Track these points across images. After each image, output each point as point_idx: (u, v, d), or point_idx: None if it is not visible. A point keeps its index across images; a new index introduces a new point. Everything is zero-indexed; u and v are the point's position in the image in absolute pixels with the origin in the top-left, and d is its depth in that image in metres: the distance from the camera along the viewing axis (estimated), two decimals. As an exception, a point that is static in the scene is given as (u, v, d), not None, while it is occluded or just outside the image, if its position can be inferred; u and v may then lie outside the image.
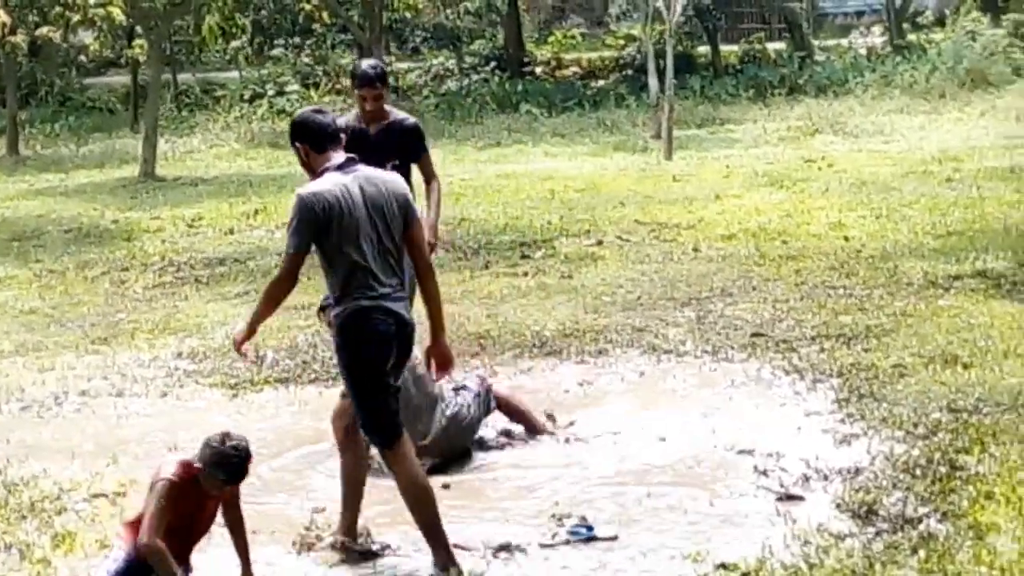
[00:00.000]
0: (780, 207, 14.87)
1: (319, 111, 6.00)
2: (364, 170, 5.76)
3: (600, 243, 13.44)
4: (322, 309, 7.20)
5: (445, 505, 6.51)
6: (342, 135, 5.88)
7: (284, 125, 27.36)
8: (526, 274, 12.14)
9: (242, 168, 22.06)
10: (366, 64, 7.90)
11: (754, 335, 9.45)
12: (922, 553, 5.53)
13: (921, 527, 5.83)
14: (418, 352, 6.20)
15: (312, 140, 5.79)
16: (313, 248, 5.67)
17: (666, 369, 8.81)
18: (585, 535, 5.97)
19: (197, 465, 5.48)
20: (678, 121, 21.96)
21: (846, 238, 12.91)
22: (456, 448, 7.25)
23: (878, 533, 5.81)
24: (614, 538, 5.97)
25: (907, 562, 5.46)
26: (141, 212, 17.17)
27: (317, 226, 5.59)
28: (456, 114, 27.53)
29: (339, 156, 5.76)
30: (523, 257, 12.98)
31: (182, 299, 11.91)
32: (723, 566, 5.52)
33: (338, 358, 5.80)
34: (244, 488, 5.70)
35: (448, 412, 7.23)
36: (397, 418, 5.75)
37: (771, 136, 22.34)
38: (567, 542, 5.94)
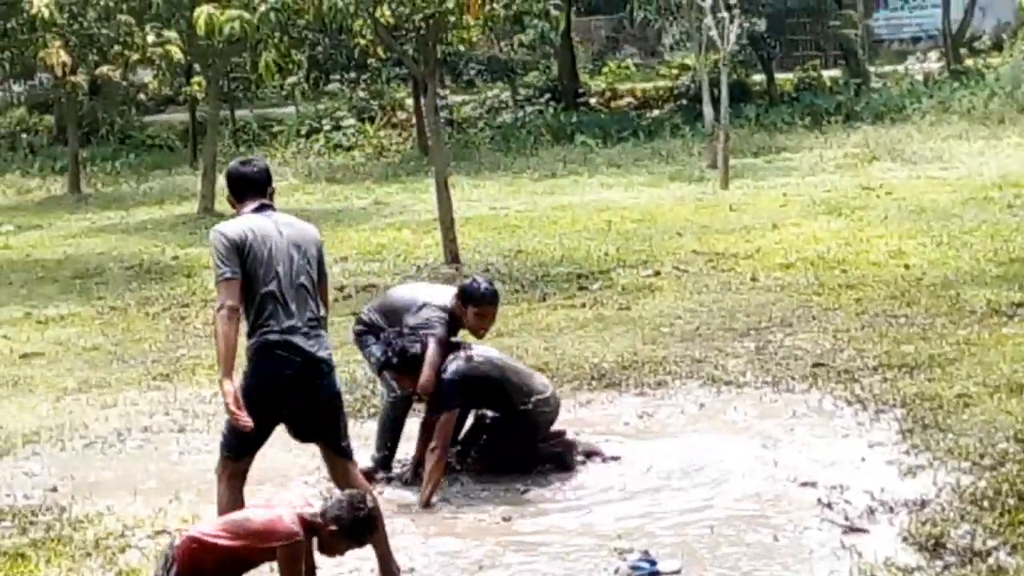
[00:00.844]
0: (838, 235, 14.77)
1: (244, 163, 6.32)
2: (282, 216, 6.12)
3: (658, 274, 13.40)
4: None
5: (505, 538, 6.51)
6: (267, 185, 6.16)
7: (341, 160, 27.63)
8: (584, 305, 12.12)
9: (299, 203, 22.18)
10: (486, 282, 7.71)
11: (815, 365, 9.37)
12: (992, 587, 5.44)
13: (990, 560, 5.74)
14: None
15: (233, 190, 6.18)
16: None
17: (726, 400, 8.75)
18: (648, 570, 5.93)
19: (319, 521, 5.33)
20: (734, 150, 21.87)
21: (906, 266, 12.79)
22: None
23: (946, 567, 5.72)
24: (677, 572, 5.92)
25: (976, 596, 5.38)
26: (201, 248, 17.28)
27: (235, 251, 5.85)
28: (511, 146, 27.59)
29: (255, 203, 6.07)
30: (580, 288, 12.96)
31: (241, 334, 11.97)
32: (788, 601, 5.46)
33: (243, 375, 5.95)
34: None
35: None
36: (254, 447, 5.99)
37: (828, 164, 22.20)
38: (629, 576, 5.89)
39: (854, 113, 27.84)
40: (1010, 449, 7.17)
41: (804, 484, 6.97)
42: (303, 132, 30.00)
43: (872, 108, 28.00)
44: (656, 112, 30.61)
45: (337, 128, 29.98)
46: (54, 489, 7.63)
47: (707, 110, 23.31)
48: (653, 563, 5.98)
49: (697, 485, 7.15)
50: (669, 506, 6.88)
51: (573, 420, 8.49)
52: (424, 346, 7.30)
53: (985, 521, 6.18)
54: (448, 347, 7.42)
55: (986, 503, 6.41)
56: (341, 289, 13.73)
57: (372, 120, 30.62)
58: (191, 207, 21.63)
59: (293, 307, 5.85)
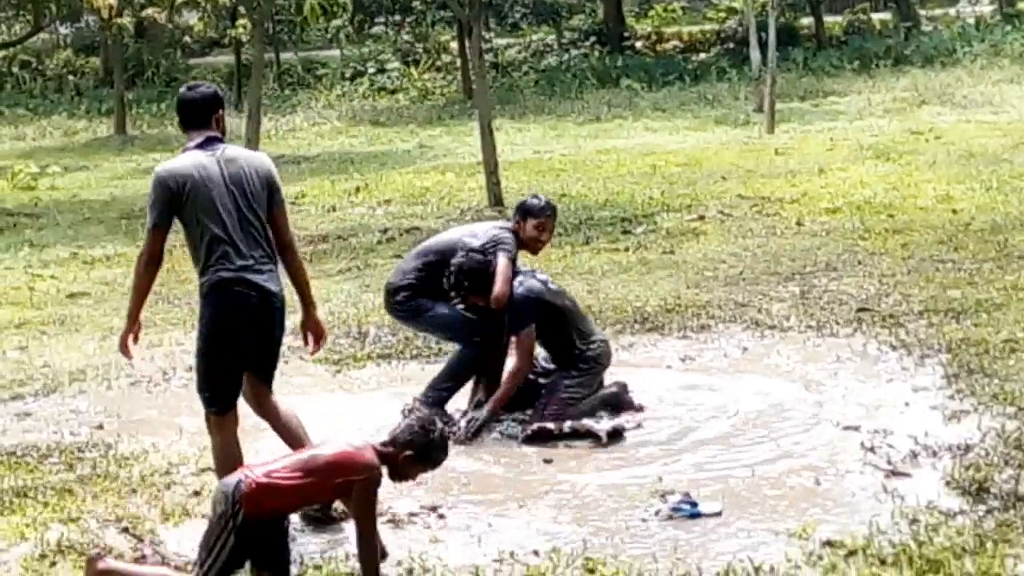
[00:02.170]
0: (886, 180, 14.63)
1: (190, 87, 6.17)
2: (228, 149, 5.93)
3: (702, 218, 13.33)
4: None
5: (546, 479, 6.53)
6: (211, 113, 5.96)
7: (385, 103, 27.60)
8: (627, 249, 12.08)
9: (343, 146, 22.24)
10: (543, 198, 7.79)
11: (860, 310, 9.31)
12: (1035, 532, 5.40)
13: (1034, 505, 5.69)
14: None
15: (180, 119, 6.08)
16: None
17: (769, 344, 8.72)
18: (688, 512, 5.92)
19: (391, 450, 5.22)
20: (780, 94, 21.68)
21: (954, 211, 12.66)
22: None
23: (989, 511, 5.68)
24: (718, 514, 5.91)
25: (1019, 541, 5.34)
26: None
27: (171, 201, 5.80)
28: (556, 90, 27.47)
29: (200, 136, 5.93)
30: (624, 232, 12.91)
31: (285, 276, 12.02)
32: (829, 544, 5.44)
33: (198, 323, 5.93)
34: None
35: None
36: (235, 391, 5.91)
37: (876, 108, 21.97)
38: (670, 518, 5.89)
39: (903, 57, 27.52)
40: (1056, 395, 7.11)
41: (847, 428, 6.94)
42: (347, 75, 30.01)
43: (922, 52, 27.67)
44: (702, 56, 30.37)
45: (381, 71, 29.95)
46: (100, 427, 7.72)
47: (754, 54, 23.09)
48: (694, 505, 5.97)
49: (739, 429, 7.13)
50: (711, 449, 6.86)
51: (616, 364, 8.49)
52: (490, 268, 7.30)
53: (1029, 466, 6.13)
54: (515, 265, 7.45)
55: (1031, 448, 6.36)
56: (385, 232, 13.75)
57: (416, 63, 30.56)
58: (236, 150, 21.69)
59: (243, 247, 5.81)
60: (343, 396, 8.23)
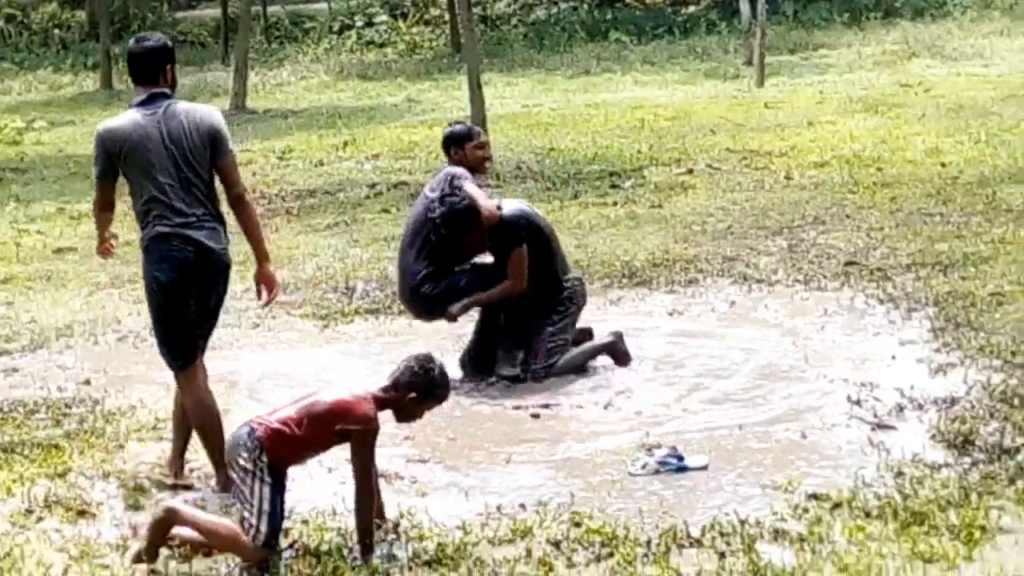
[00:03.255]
0: (875, 133, 14.61)
1: (138, 40, 6.08)
2: (172, 106, 5.88)
3: (690, 172, 13.30)
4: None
5: (533, 436, 6.53)
6: (159, 68, 5.91)
7: (373, 57, 27.44)
8: (616, 204, 12.06)
9: (331, 100, 22.12)
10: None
11: (847, 264, 9.31)
12: (1020, 483, 5.43)
13: (1019, 457, 5.72)
14: None
15: (129, 73, 6.11)
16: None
17: (757, 298, 8.72)
18: (675, 465, 5.93)
19: (393, 395, 5.24)
20: (770, 47, 21.59)
21: (943, 164, 12.65)
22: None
23: (974, 463, 5.71)
24: (705, 468, 5.93)
25: (1004, 493, 5.37)
26: (234, 146, 17.27)
27: (110, 159, 5.86)
28: (545, 43, 27.31)
29: (145, 92, 5.91)
30: (613, 187, 12.89)
31: (273, 231, 11.98)
32: (815, 497, 5.46)
33: (144, 282, 6.00)
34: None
35: None
36: (194, 343, 5.95)
37: (866, 61, 21.90)
38: (657, 472, 5.91)
39: (893, 9, 27.37)
40: (1042, 348, 7.13)
41: (834, 381, 6.96)
42: (335, 29, 29.77)
43: (912, 4, 27.50)
44: (692, 8, 30.18)
45: (369, 24, 29.74)
46: (87, 382, 7.71)
47: (744, 6, 22.94)
48: (681, 458, 5.99)
49: (726, 383, 7.15)
50: (698, 403, 6.88)
51: (604, 317, 8.50)
52: (465, 199, 7.32)
53: (1015, 419, 6.15)
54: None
55: (1016, 401, 6.38)
56: (373, 186, 13.72)
57: (405, 16, 30.34)
58: (223, 104, 21.52)
59: (181, 206, 5.82)
60: (330, 351, 8.22)
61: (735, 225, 10.81)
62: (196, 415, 6.01)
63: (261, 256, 6.09)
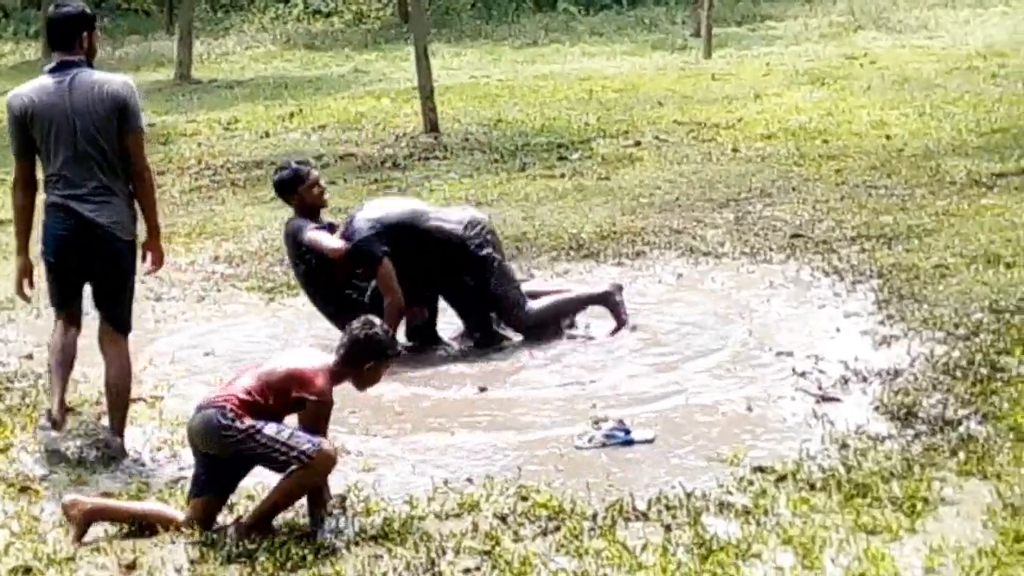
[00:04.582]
0: (821, 106, 14.67)
1: (57, 6, 6.05)
2: (81, 74, 5.89)
3: (638, 144, 13.31)
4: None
5: (480, 410, 6.53)
6: (74, 35, 5.93)
7: (320, 26, 27.23)
8: (563, 176, 12.05)
9: (277, 70, 21.95)
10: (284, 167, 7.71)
11: (793, 236, 9.36)
12: (961, 455, 5.47)
13: (961, 429, 5.77)
14: None
15: (47, 38, 6.24)
16: None
17: (704, 271, 8.75)
18: (622, 439, 5.95)
19: (345, 369, 5.24)
20: (718, 18, 21.62)
21: (888, 136, 12.73)
22: None
23: (917, 435, 5.75)
24: (651, 441, 5.94)
25: (946, 464, 5.42)
26: (177, 115, 17.14)
27: (21, 126, 5.90)
28: (493, 13, 27.21)
29: (58, 59, 5.94)
30: (560, 159, 12.87)
31: (219, 203, 11.92)
32: (760, 469, 5.49)
33: None
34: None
35: None
36: (67, 298, 6.07)
37: (812, 33, 21.98)
38: (603, 445, 5.92)
39: (840, -20, 27.45)
40: (984, 319, 7.19)
41: (779, 354, 6.99)
42: (281, -3, 29.50)
43: (859, -24, 27.60)
44: (640, -21, 30.14)
45: (316, -7, 29.49)
46: (29, 356, 7.62)
47: (691, -23, 22.98)
48: (627, 432, 6.00)
49: (673, 355, 7.17)
50: (644, 376, 6.90)
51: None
52: (309, 253, 7.34)
53: (957, 390, 6.21)
54: (327, 228, 7.46)
55: (959, 373, 6.44)
56: (319, 158, 13.62)
57: (352, -15, 30.11)
58: (167, 73, 21.36)
59: (74, 178, 5.87)
60: (276, 323, 8.17)
61: (682, 197, 10.83)
62: (50, 353, 6.15)
63: (151, 228, 6.16)
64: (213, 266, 9.55)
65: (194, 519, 5.20)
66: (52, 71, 5.91)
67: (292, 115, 16.44)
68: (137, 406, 6.67)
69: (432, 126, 14.59)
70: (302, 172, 7.54)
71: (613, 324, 7.63)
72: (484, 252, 7.44)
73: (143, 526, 5.25)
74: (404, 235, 7.31)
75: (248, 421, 5.08)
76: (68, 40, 5.94)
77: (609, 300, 7.63)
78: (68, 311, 6.14)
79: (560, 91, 17.06)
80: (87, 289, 6.15)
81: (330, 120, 15.96)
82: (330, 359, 5.29)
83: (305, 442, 5.06)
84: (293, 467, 5.09)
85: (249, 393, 5.14)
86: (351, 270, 7.35)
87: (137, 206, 6.08)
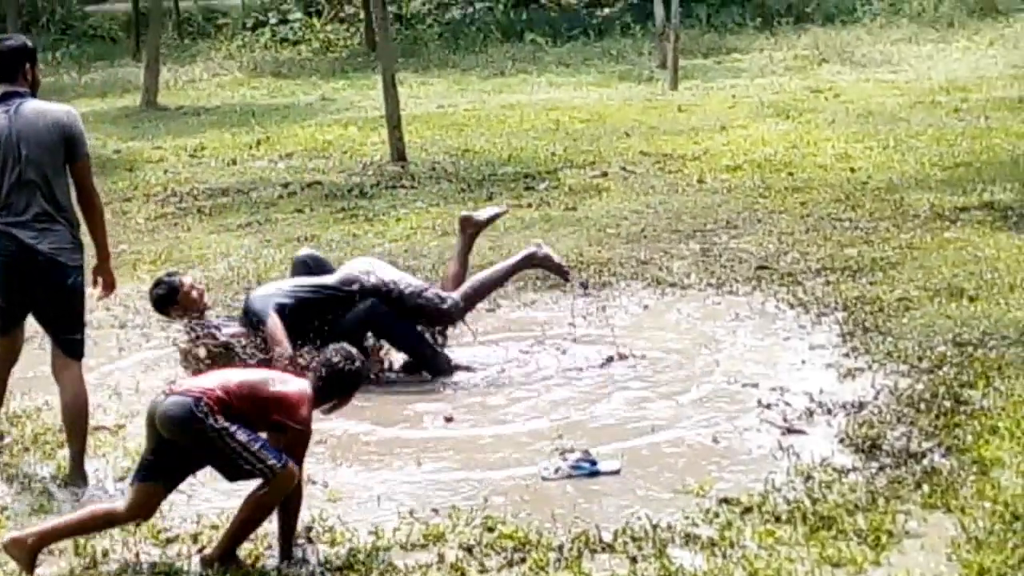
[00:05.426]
0: (786, 138, 14.76)
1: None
2: (26, 104, 6.04)
3: (604, 175, 13.35)
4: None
5: (449, 437, 6.52)
6: (16, 67, 6.08)
7: (287, 54, 27.22)
8: (530, 205, 12.07)
9: (244, 98, 21.92)
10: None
11: (759, 268, 9.41)
12: (926, 488, 5.51)
13: (925, 462, 5.81)
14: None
15: None
16: None
17: (670, 302, 8.78)
18: (588, 470, 5.95)
19: (333, 396, 5.30)
20: (684, 50, 21.74)
21: (852, 170, 12.82)
22: None
23: (881, 468, 5.79)
24: (617, 472, 5.95)
25: (911, 497, 5.45)
26: (143, 142, 17.08)
27: None
28: (460, 43, 27.28)
29: (0, 90, 6.06)
30: (527, 188, 12.90)
31: (184, 230, 11.87)
32: (726, 501, 5.50)
33: None
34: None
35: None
36: (9, 328, 6.22)
37: (777, 66, 22.14)
38: (569, 476, 5.92)
39: (804, 15, 27.68)
40: (948, 352, 7.24)
41: (745, 385, 7.02)
42: (249, 25, 29.49)
43: (823, 9, 27.83)
44: (607, 10, 30.29)
45: (284, 22, 29.48)
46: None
47: (658, 9, 23.09)
48: (593, 463, 6.00)
49: (638, 386, 7.18)
50: (611, 406, 6.91)
51: (517, 319, 8.52)
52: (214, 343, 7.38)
53: (921, 423, 6.25)
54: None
55: (922, 405, 6.48)
56: (286, 186, 13.61)
57: (319, 14, 30.12)
58: (133, 100, 21.28)
59: (19, 206, 5.96)
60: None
61: (648, 228, 10.87)
62: None
63: (100, 254, 6.31)
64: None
65: (135, 505, 5.15)
66: None
67: (259, 143, 16.41)
68: (100, 435, 6.63)
69: (399, 155, 14.60)
70: (174, 284, 7.55)
71: (594, 349, 7.68)
72: (369, 293, 7.47)
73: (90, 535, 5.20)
74: (298, 306, 7.38)
75: (222, 421, 5.03)
76: (11, 72, 6.09)
77: (535, 260, 7.73)
78: (7, 337, 6.24)
79: (527, 121, 17.10)
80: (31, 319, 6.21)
81: (297, 148, 15.94)
82: (307, 385, 5.26)
83: (272, 457, 5.03)
84: (256, 482, 5.05)
85: (228, 394, 5.08)
86: (254, 343, 7.32)
87: (86, 232, 6.18)
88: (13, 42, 6.20)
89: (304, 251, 8.29)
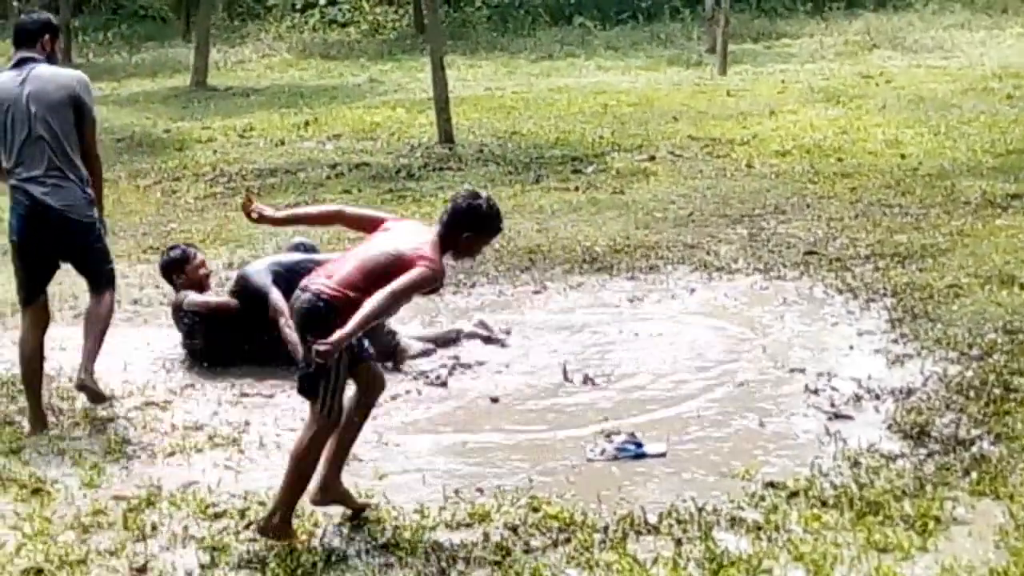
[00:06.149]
0: (836, 124, 14.67)
1: (27, 14, 6.98)
2: (38, 67, 6.44)
3: (652, 158, 13.31)
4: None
5: (493, 418, 6.53)
6: (36, 36, 6.51)
7: (336, 36, 27.29)
8: (577, 189, 12.06)
9: (293, 79, 22.01)
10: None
11: (807, 253, 9.36)
12: (974, 475, 5.47)
13: (974, 449, 5.77)
14: None
15: (13, 39, 6.59)
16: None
17: (717, 286, 8.75)
18: (634, 452, 5.95)
19: (452, 236, 5.15)
20: (733, 35, 21.62)
21: (903, 156, 12.72)
22: None
23: (930, 454, 5.75)
24: (663, 455, 5.94)
25: (959, 484, 5.41)
26: (193, 122, 17.19)
27: None
28: (509, 26, 27.26)
29: (18, 55, 6.50)
30: (575, 172, 12.88)
31: (233, 210, 11.91)
32: (772, 485, 5.48)
33: None
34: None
35: None
36: (32, 288, 6.56)
37: (828, 51, 21.98)
38: (615, 458, 5.92)
39: (856, 0, 27.48)
40: (998, 340, 7.19)
41: (792, 371, 6.99)
42: (298, 7, 29.56)
43: (875, -5, 27.63)
44: (656, -6, 30.17)
45: (333, 3, 29.54)
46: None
47: (708, -7, 22.99)
48: (639, 445, 6.00)
49: (685, 370, 7.17)
50: (657, 390, 6.89)
51: (565, 303, 8.52)
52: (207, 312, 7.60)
53: (970, 410, 6.20)
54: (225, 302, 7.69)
55: (972, 393, 6.43)
56: (334, 167, 13.66)
57: (368, -5, 30.19)
58: (183, 80, 21.42)
59: (29, 161, 6.32)
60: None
61: (696, 213, 10.84)
62: (22, 349, 6.62)
63: (100, 211, 6.65)
64: (227, 272, 9.55)
65: (367, 385, 5.25)
66: (13, 66, 6.45)
67: (307, 124, 16.47)
68: (150, 411, 6.70)
69: (447, 137, 14.61)
70: (188, 253, 7.90)
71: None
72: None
73: None
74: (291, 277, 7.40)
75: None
76: (31, 40, 6.51)
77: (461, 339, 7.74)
78: (34, 306, 6.58)
79: (575, 104, 17.07)
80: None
81: (345, 129, 15.99)
82: (431, 234, 5.17)
83: (336, 401, 5.04)
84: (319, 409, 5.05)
85: (349, 287, 4.98)
86: (245, 313, 7.44)
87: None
88: (38, 16, 6.73)
89: (297, 238, 8.44)
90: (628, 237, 10.06)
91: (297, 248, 8.02)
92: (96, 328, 6.56)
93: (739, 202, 11.14)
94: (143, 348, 7.91)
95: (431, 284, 5.11)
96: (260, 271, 7.54)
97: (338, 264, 5.21)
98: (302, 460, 5.12)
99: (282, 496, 5.13)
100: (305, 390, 5.11)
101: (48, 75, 6.42)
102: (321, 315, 4.98)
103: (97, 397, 6.53)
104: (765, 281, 8.79)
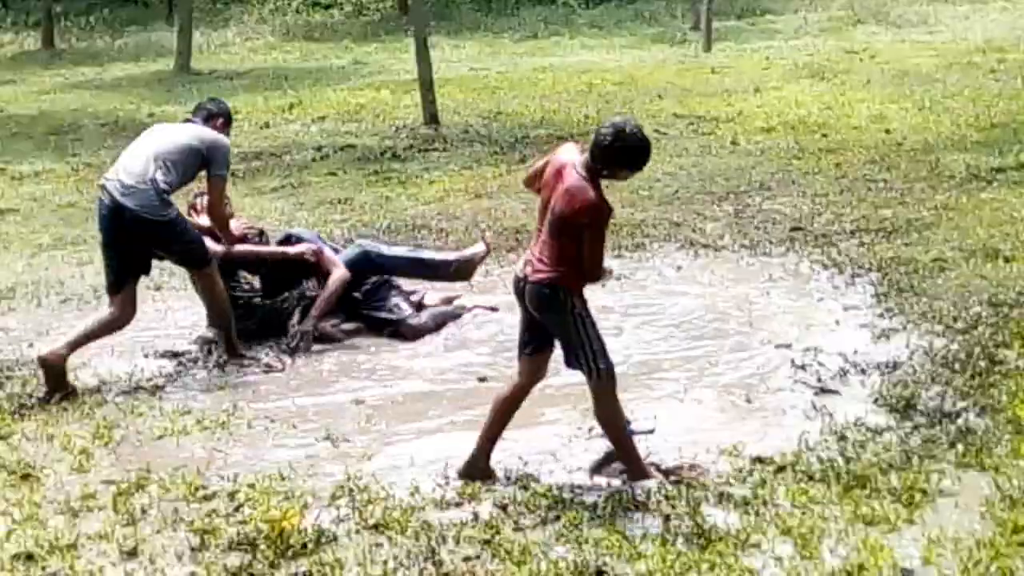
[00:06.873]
0: (820, 99, 14.68)
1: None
2: (188, 122, 7.23)
3: (637, 136, 13.29)
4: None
5: (483, 401, 6.54)
6: (214, 116, 7.28)
7: (319, 17, 27.21)
8: (563, 168, 12.03)
9: (277, 61, 21.96)
10: None
11: (793, 229, 9.38)
12: (960, 447, 5.50)
13: (959, 421, 5.80)
14: None
15: None
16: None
17: (703, 263, 8.77)
18: (622, 429, 5.96)
19: (602, 167, 5.44)
20: (717, 12, 21.62)
21: (887, 131, 12.74)
22: None
23: (916, 427, 5.78)
24: (651, 432, 5.96)
25: (945, 456, 5.44)
26: (176, 106, 17.12)
27: None
28: (492, 6, 27.21)
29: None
30: (560, 151, 12.86)
31: (218, 193, 11.89)
32: (759, 460, 5.51)
33: None
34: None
35: None
36: (113, 281, 7.07)
37: (812, 27, 21.99)
38: (603, 435, 5.92)
39: (840, -24, 27.45)
40: (983, 313, 7.22)
41: (779, 346, 7.01)
42: (281, -11, 29.48)
43: (858, -30, 27.60)
44: (640, -28, 30.12)
45: (316, -15, 29.47)
46: (30, 345, 7.63)
47: (691, -30, 22.99)
48: (628, 422, 6.00)
49: (672, 346, 7.19)
50: (644, 368, 6.91)
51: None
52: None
53: (956, 383, 6.24)
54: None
55: (957, 366, 6.46)
56: (319, 149, 13.64)
57: (351, -23, 30.09)
58: (167, 64, 21.35)
59: (123, 167, 6.96)
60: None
61: (682, 190, 10.85)
62: (100, 323, 7.08)
63: None
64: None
65: (527, 373, 5.50)
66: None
67: (292, 106, 16.44)
68: (139, 394, 6.70)
69: (432, 118, 14.60)
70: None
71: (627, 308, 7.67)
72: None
73: None
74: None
75: (571, 299, 5.27)
76: (210, 118, 7.35)
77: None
78: (116, 297, 7.01)
79: (560, 84, 17.06)
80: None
81: (330, 111, 15.96)
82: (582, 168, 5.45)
83: (605, 361, 5.30)
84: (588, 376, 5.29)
85: (561, 258, 5.33)
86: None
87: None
88: (224, 105, 7.47)
89: (288, 229, 8.63)
90: (614, 216, 10.03)
91: (288, 238, 8.00)
92: (225, 317, 7.23)
93: (724, 179, 11.15)
94: (129, 333, 7.88)
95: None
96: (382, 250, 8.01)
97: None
98: (613, 427, 5.37)
99: (623, 456, 5.39)
100: (570, 364, 5.39)
101: (187, 125, 7.24)
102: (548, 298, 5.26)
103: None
104: (751, 257, 8.81)
